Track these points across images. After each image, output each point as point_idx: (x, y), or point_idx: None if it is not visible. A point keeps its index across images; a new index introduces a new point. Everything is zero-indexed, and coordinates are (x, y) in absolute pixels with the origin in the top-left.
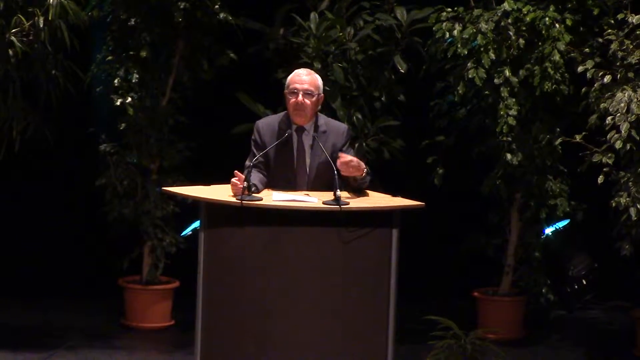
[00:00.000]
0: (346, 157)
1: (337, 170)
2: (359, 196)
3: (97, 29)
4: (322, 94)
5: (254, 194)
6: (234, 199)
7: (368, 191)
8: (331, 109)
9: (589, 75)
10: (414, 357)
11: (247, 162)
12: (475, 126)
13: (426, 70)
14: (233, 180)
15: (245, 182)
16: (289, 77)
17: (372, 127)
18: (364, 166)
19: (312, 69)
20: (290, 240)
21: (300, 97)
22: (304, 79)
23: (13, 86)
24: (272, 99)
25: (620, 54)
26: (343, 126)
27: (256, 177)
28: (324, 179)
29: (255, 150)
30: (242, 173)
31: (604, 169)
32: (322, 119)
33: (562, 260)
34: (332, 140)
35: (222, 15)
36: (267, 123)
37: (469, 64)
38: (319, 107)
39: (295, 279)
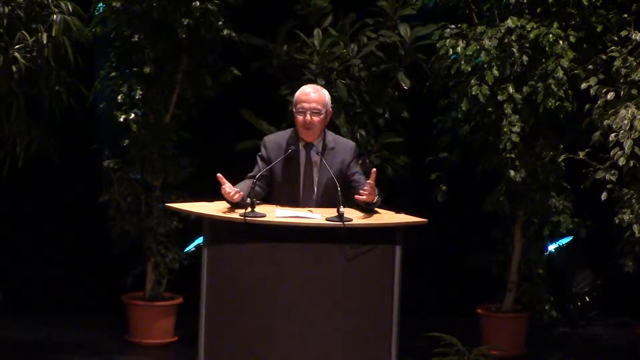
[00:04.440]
0: (367, 182)
1: (341, 187)
2: (362, 213)
3: (100, 46)
4: (331, 109)
5: (256, 211)
6: (237, 216)
7: None
8: (335, 126)
9: (592, 92)
10: None
11: (249, 174)
12: (479, 143)
13: (430, 87)
14: (223, 189)
15: (248, 199)
16: (296, 95)
17: (376, 143)
18: (377, 193)
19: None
20: (293, 257)
21: (308, 116)
22: (311, 97)
23: (16, 102)
24: (275, 115)
25: (623, 70)
26: (351, 143)
27: (248, 188)
28: (332, 196)
29: (260, 165)
30: (242, 184)
31: (608, 186)
32: (330, 135)
33: (566, 277)
34: (340, 157)
35: (225, 31)
36: (274, 140)
37: (472, 81)
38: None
39: (298, 295)
